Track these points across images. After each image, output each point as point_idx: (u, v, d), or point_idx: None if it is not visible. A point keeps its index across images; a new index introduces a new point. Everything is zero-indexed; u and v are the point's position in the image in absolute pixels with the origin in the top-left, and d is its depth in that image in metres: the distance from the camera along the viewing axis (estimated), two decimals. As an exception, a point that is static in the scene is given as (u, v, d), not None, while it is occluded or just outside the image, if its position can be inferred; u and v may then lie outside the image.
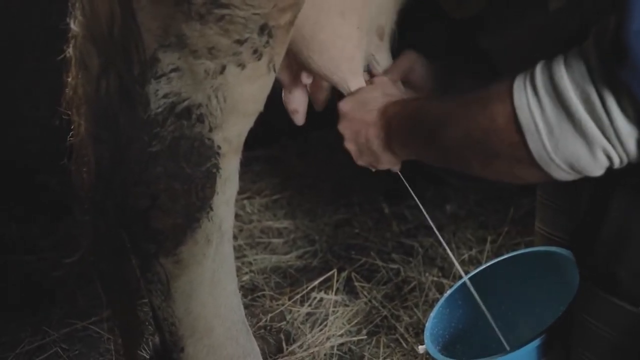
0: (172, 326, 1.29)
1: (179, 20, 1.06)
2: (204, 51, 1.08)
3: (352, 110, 1.30)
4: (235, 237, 2.13)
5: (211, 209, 1.22)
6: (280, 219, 2.36)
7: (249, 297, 1.87)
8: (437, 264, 1.98)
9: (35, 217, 2.26)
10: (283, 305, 1.81)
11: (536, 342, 1.11)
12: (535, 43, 1.36)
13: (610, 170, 0.93)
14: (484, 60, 1.49)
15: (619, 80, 0.84)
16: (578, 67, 0.88)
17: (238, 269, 1.96)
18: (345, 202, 2.43)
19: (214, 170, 1.20)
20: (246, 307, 1.67)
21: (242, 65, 1.11)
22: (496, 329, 1.30)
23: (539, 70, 0.93)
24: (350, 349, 1.66)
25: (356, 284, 1.88)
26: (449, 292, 1.35)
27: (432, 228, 1.39)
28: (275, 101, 1.36)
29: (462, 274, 1.33)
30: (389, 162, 1.30)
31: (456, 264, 1.37)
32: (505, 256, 1.36)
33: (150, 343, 1.57)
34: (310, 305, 1.81)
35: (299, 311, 1.78)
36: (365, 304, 1.81)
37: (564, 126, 0.90)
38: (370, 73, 1.45)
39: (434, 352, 1.22)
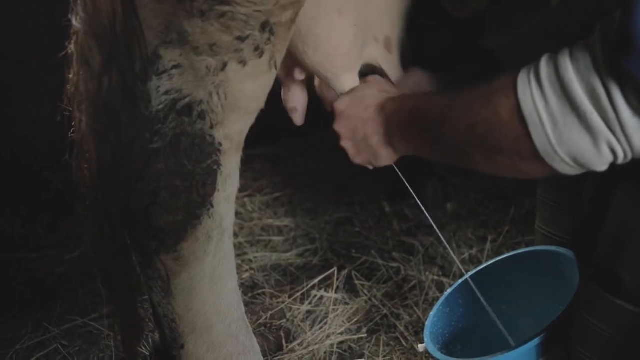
0: (172, 323, 1.29)
1: (180, 17, 1.06)
2: (205, 48, 1.08)
3: (349, 108, 1.29)
4: (235, 235, 2.14)
5: (212, 206, 1.22)
6: (281, 217, 2.36)
7: (249, 295, 1.87)
8: (437, 263, 1.98)
9: (38, 215, 2.26)
10: (283, 303, 1.81)
11: (536, 341, 1.11)
12: (539, 40, 1.35)
13: (612, 168, 0.93)
14: (489, 65, 1.48)
15: (624, 70, 0.84)
16: (584, 60, 0.88)
17: (238, 267, 1.96)
18: (346, 200, 2.43)
19: (215, 167, 1.20)
20: (246, 304, 1.68)
21: (243, 62, 1.11)
22: (500, 326, 1.29)
23: (544, 63, 0.92)
24: (350, 347, 1.66)
25: (356, 282, 1.88)
26: (449, 291, 1.35)
27: (432, 227, 1.39)
28: (276, 99, 1.36)
29: (463, 271, 1.33)
30: (387, 159, 1.29)
31: (456, 261, 1.37)
32: (506, 255, 1.37)
33: (151, 340, 1.57)
34: (310, 303, 1.81)
35: (299, 309, 1.79)
36: (366, 302, 1.81)
37: (569, 119, 0.90)
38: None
39: (433, 350, 1.22)
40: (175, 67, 1.11)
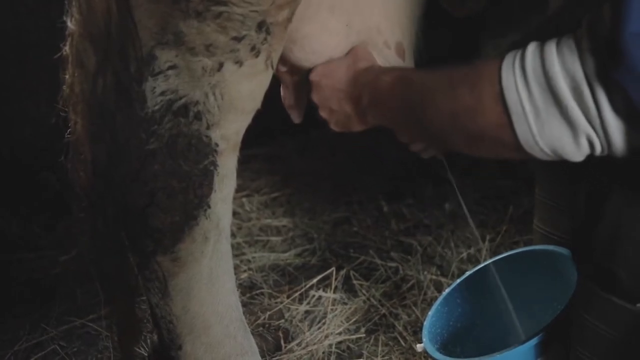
0: (170, 324, 1.29)
1: (176, 18, 1.06)
2: (201, 48, 1.08)
3: (322, 78, 1.31)
4: (233, 235, 2.14)
5: (209, 206, 1.22)
6: (279, 217, 2.35)
7: (248, 295, 1.87)
8: (435, 263, 1.98)
9: (35, 215, 2.26)
10: (281, 303, 1.81)
11: (534, 341, 1.11)
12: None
13: (606, 167, 0.94)
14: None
15: (612, 79, 0.84)
16: (570, 56, 0.88)
17: (236, 267, 1.96)
18: (344, 200, 2.43)
19: (212, 167, 1.20)
20: (244, 305, 1.67)
21: (239, 63, 1.11)
22: (514, 317, 1.29)
23: (529, 54, 0.93)
24: (348, 347, 1.66)
25: (355, 282, 1.88)
26: (447, 290, 1.35)
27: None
28: (273, 98, 1.36)
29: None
30: (361, 127, 1.31)
31: (475, 230, 1.33)
32: (504, 255, 1.36)
33: (149, 341, 1.57)
34: (308, 303, 1.80)
35: (297, 309, 1.78)
36: (364, 302, 1.81)
37: (551, 110, 0.90)
38: None
39: (432, 350, 1.21)
40: (171, 67, 1.10)
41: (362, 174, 2.57)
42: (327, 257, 2.07)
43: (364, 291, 1.85)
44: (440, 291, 1.72)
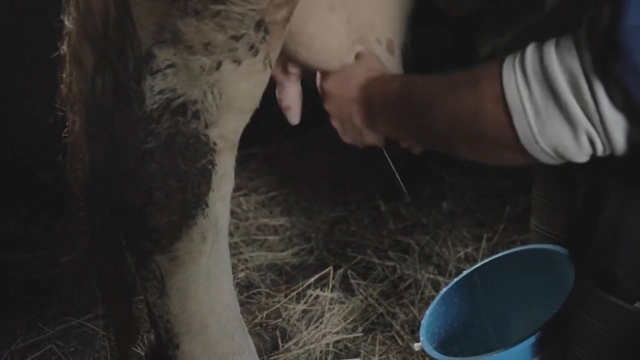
0: (167, 323, 1.29)
1: (174, 16, 1.05)
2: (199, 47, 1.08)
3: (334, 88, 1.31)
4: (231, 234, 2.14)
5: (207, 205, 1.21)
6: (277, 216, 2.35)
7: (245, 294, 1.87)
8: (433, 262, 1.98)
9: (35, 215, 2.26)
10: (279, 302, 1.81)
11: (531, 340, 1.11)
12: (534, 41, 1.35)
13: (603, 166, 0.94)
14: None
15: (610, 74, 0.84)
16: (569, 52, 0.88)
17: (234, 266, 1.96)
18: (342, 199, 2.43)
19: (210, 166, 1.20)
20: (242, 304, 1.67)
21: (238, 62, 1.11)
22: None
23: (529, 53, 0.93)
24: (346, 346, 1.66)
25: (352, 281, 1.88)
26: (444, 289, 1.35)
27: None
28: (272, 98, 1.36)
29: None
30: (372, 139, 1.31)
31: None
32: (501, 254, 1.36)
33: (146, 340, 1.56)
34: (306, 303, 1.81)
35: (294, 308, 1.78)
36: (361, 301, 1.81)
37: (551, 109, 0.90)
38: None
39: (429, 349, 1.21)
40: (169, 66, 1.10)
41: (359, 174, 2.57)
42: (325, 256, 2.07)
43: (361, 290, 1.85)
44: (437, 290, 1.72)
